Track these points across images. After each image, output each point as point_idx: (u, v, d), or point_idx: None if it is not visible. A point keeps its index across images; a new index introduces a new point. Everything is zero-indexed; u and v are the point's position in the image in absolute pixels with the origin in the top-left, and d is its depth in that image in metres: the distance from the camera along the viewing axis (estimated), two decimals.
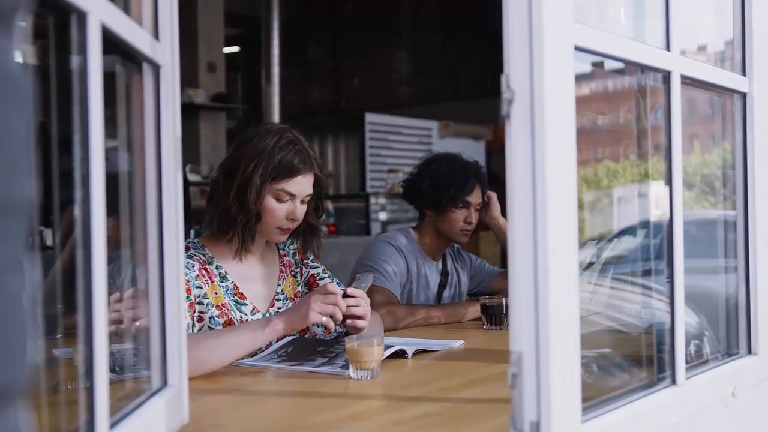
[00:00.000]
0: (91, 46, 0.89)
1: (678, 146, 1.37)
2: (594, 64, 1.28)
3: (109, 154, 1.00)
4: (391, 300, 2.57)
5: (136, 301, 1.29)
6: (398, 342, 1.97)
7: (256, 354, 1.93)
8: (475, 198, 2.74)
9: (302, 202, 2.00)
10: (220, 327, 1.92)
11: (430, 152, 2.97)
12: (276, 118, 6.79)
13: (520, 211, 1.04)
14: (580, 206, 1.15)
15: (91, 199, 0.89)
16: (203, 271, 1.96)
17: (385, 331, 2.25)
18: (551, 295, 1.02)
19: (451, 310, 2.62)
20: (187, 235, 1.58)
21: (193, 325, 1.89)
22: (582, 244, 1.16)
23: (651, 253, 1.53)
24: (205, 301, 1.93)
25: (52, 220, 0.98)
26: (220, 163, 2.05)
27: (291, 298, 2.11)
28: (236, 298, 1.99)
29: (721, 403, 1.51)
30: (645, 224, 1.63)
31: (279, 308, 2.05)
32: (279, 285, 2.10)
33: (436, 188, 2.72)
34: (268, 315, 2.00)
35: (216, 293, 1.96)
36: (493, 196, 2.82)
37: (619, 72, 1.48)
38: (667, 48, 1.37)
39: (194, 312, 1.90)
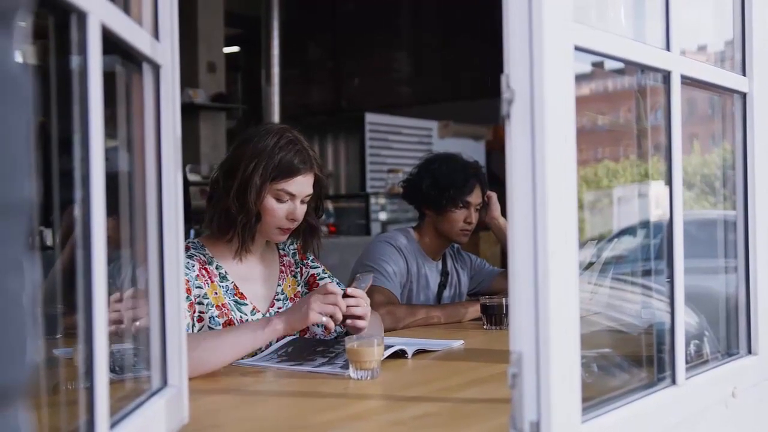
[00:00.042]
0: (91, 46, 0.89)
1: (678, 146, 1.37)
2: (594, 64, 1.28)
3: (109, 154, 1.00)
4: (391, 300, 2.57)
5: (136, 301, 1.29)
6: (398, 342, 1.97)
7: (256, 354, 1.93)
8: (475, 198, 2.74)
9: (302, 202, 2.01)
10: (220, 327, 1.92)
11: (430, 152, 2.97)
12: (276, 118, 6.79)
13: (520, 211, 1.04)
14: (580, 206, 1.15)
15: (91, 199, 0.89)
16: (203, 271, 1.96)
17: (385, 331, 2.25)
18: (551, 295, 1.02)
19: (451, 310, 2.62)
20: (187, 235, 1.58)
21: (193, 325, 1.89)
22: (582, 244, 1.16)
23: (651, 253, 1.53)
24: (205, 301, 1.93)
25: (52, 220, 0.98)
26: (220, 163, 2.05)
27: (291, 298, 2.11)
28: (236, 298, 1.99)
29: (721, 403, 1.51)
30: (645, 224, 1.63)
31: (279, 308, 2.05)
32: (279, 285, 2.10)
33: (436, 188, 2.72)
34: (268, 315, 2.00)
35: (216, 293, 1.96)
36: (493, 196, 2.82)
37: (619, 72, 1.48)
38: (667, 48, 1.37)
39: (194, 312, 1.90)
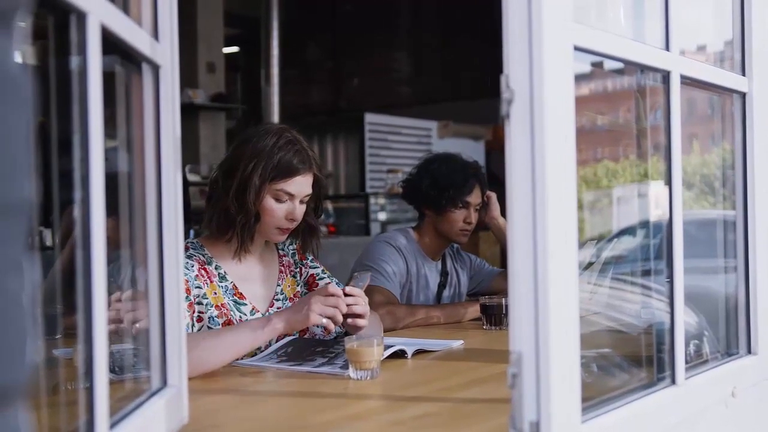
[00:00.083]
0: (90, 47, 0.89)
1: (677, 146, 1.37)
2: (593, 64, 1.28)
3: (109, 155, 1.00)
4: (390, 300, 2.57)
5: (135, 301, 1.29)
6: (398, 342, 1.97)
7: (255, 354, 1.93)
8: (474, 198, 2.74)
9: (301, 202, 2.01)
10: (220, 327, 1.92)
11: (429, 152, 2.97)
12: (275, 118, 6.79)
13: (520, 211, 1.04)
14: (580, 206, 1.15)
15: (91, 200, 0.89)
16: (202, 271, 1.96)
17: (385, 331, 2.25)
18: (551, 295, 1.02)
19: (450, 310, 2.62)
20: (186, 236, 1.58)
21: (193, 325, 1.89)
22: (582, 244, 1.17)
23: (650, 253, 1.53)
24: (205, 301, 1.93)
25: (52, 221, 0.98)
26: (219, 163, 2.05)
27: (290, 298, 2.11)
28: (235, 298, 1.99)
29: (721, 403, 1.51)
30: (644, 224, 1.63)
31: (278, 308, 2.05)
32: (278, 285, 2.10)
33: (435, 188, 2.72)
34: (267, 315, 2.00)
35: (215, 293, 1.96)
36: (493, 196, 2.82)
37: (619, 72, 1.48)
38: (667, 48, 1.37)
39: (193, 312, 1.90)
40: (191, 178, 6.45)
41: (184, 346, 1.27)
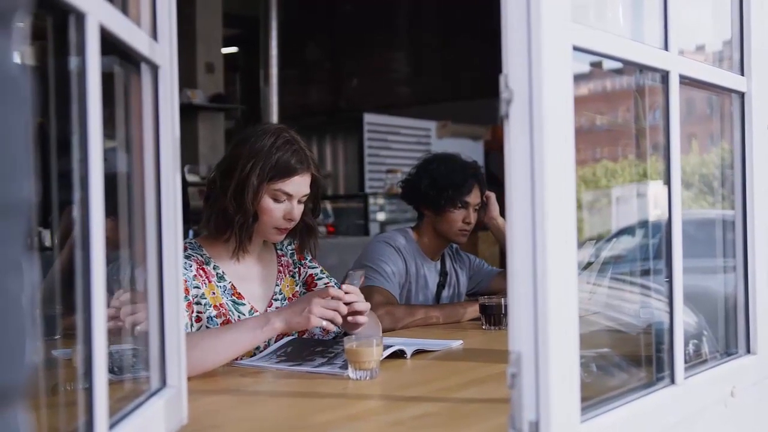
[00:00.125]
0: (89, 47, 0.89)
1: (676, 146, 1.37)
2: (592, 64, 1.28)
3: (108, 155, 1.00)
4: (389, 300, 2.57)
5: (134, 301, 1.29)
6: (397, 342, 1.97)
7: (254, 354, 1.93)
8: (473, 198, 2.74)
9: (299, 202, 2.01)
10: (218, 327, 1.92)
11: (428, 152, 2.98)
12: (274, 118, 6.79)
13: (519, 211, 1.04)
14: (579, 206, 1.15)
15: (90, 200, 0.89)
16: (201, 271, 1.96)
17: (384, 331, 2.25)
18: (550, 294, 1.02)
19: (449, 310, 2.62)
20: (185, 236, 1.57)
21: (191, 325, 1.89)
22: (581, 244, 1.17)
23: (650, 252, 1.53)
24: (203, 301, 1.93)
25: (51, 221, 0.98)
26: (217, 163, 2.05)
27: (289, 298, 2.11)
28: (234, 298, 1.99)
29: (720, 403, 1.51)
30: (643, 224, 1.63)
31: (277, 308, 2.05)
32: (277, 285, 2.10)
33: (434, 188, 2.72)
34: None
35: (214, 293, 1.96)
36: (492, 196, 2.82)
37: (618, 72, 1.48)
38: (666, 48, 1.37)
39: (192, 312, 1.90)
40: (190, 178, 6.45)
41: (183, 347, 1.27)
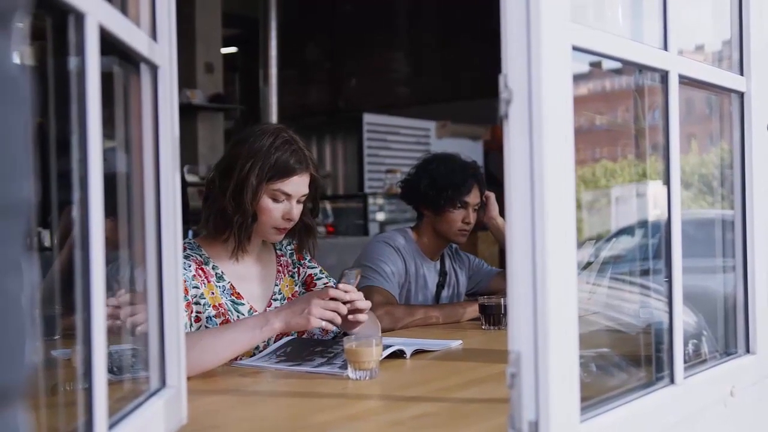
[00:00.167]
0: (88, 47, 0.89)
1: (676, 146, 1.37)
2: (592, 64, 1.28)
3: (107, 155, 1.00)
4: (389, 300, 2.57)
5: (134, 302, 1.29)
6: (397, 342, 1.97)
7: (254, 354, 1.93)
8: (473, 198, 2.74)
9: (298, 201, 2.01)
10: (217, 326, 1.92)
11: (428, 152, 2.98)
12: (274, 118, 6.79)
13: (519, 211, 1.04)
14: (578, 206, 1.15)
15: (89, 200, 0.89)
16: (200, 271, 1.96)
17: (384, 331, 2.25)
18: (550, 294, 1.02)
19: (449, 310, 2.62)
20: (184, 236, 1.57)
21: (191, 325, 1.89)
22: (580, 244, 1.17)
23: (649, 252, 1.54)
24: (202, 301, 1.93)
25: (50, 221, 0.98)
26: (216, 164, 2.05)
27: (288, 298, 2.11)
28: (233, 298, 1.99)
29: (720, 403, 1.51)
30: (643, 224, 1.63)
31: (276, 308, 2.05)
32: (276, 285, 2.10)
33: (434, 188, 2.72)
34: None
35: (213, 293, 1.96)
36: (491, 196, 2.82)
37: (617, 72, 1.48)
38: (665, 48, 1.37)
39: (191, 312, 1.90)
40: (189, 178, 6.45)
41: (183, 347, 1.27)
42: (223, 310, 1.95)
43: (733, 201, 1.65)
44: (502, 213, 2.77)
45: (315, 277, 2.17)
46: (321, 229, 6.44)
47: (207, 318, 1.92)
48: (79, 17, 0.88)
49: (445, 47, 9.10)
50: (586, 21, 1.21)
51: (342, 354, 1.76)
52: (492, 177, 3.71)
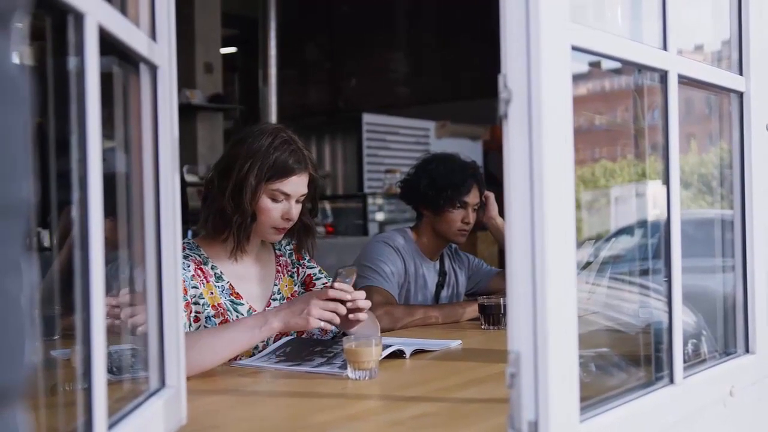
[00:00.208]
0: (88, 47, 0.89)
1: (675, 146, 1.37)
2: (591, 64, 1.28)
3: (107, 155, 1.00)
4: (388, 300, 2.57)
5: (133, 302, 1.29)
6: (396, 342, 1.97)
7: (254, 354, 1.93)
8: (472, 198, 2.74)
9: (297, 201, 2.01)
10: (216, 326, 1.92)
11: (427, 152, 2.98)
12: (273, 118, 6.79)
13: (518, 211, 1.04)
14: (578, 206, 1.15)
15: (89, 201, 0.89)
16: (199, 272, 1.96)
17: (383, 331, 2.25)
18: (549, 294, 1.02)
19: (449, 310, 2.62)
20: (184, 236, 1.57)
21: (190, 325, 1.89)
22: (580, 244, 1.17)
23: (648, 252, 1.54)
24: (201, 301, 1.93)
25: (50, 221, 0.98)
26: (215, 164, 2.05)
27: (287, 298, 2.11)
28: (232, 298, 1.99)
29: (719, 402, 1.51)
30: (642, 224, 1.64)
31: (275, 307, 2.05)
32: (275, 285, 2.10)
33: (433, 188, 2.72)
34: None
35: (212, 293, 1.96)
36: (491, 196, 2.82)
37: (617, 72, 1.48)
38: (664, 48, 1.37)
39: (190, 312, 1.90)
40: (189, 178, 6.45)
41: (182, 347, 1.27)
42: (222, 310, 1.95)
43: (733, 201, 1.66)
44: (501, 213, 2.77)
45: (314, 277, 2.17)
46: (320, 229, 6.44)
47: (206, 318, 1.92)
48: (79, 17, 0.88)
49: (445, 47, 9.10)
50: (586, 21, 1.21)
51: (341, 354, 1.76)
52: (491, 177, 3.71)
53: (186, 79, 6.97)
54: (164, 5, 1.23)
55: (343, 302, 1.82)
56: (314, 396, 1.58)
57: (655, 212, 1.49)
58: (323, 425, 1.36)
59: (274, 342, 1.98)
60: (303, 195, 2.01)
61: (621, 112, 1.67)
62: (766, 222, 1.65)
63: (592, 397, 1.18)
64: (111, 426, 0.96)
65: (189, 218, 4.66)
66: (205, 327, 1.91)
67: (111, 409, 0.95)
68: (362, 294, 1.89)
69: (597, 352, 1.45)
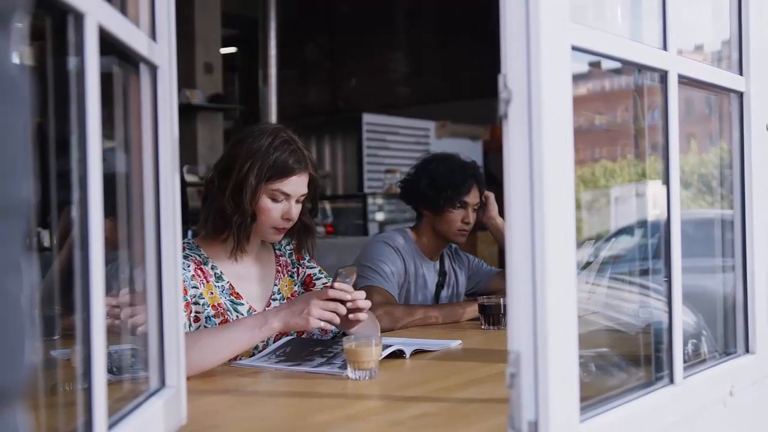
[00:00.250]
0: (88, 47, 0.89)
1: (675, 146, 1.37)
2: (591, 64, 1.28)
3: (107, 155, 1.00)
4: (388, 300, 2.57)
5: (133, 302, 1.29)
6: (396, 342, 1.97)
7: (254, 354, 1.93)
8: (472, 198, 2.74)
9: (297, 201, 2.01)
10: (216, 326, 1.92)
11: (427, 152, 2.98)
12: (273, 118, 6.79)
13: (518, 211, 1.04)
14: (578, 206, 1.15)
15: (89, 201, 0.89)
16: (199, 272, 1.96)
17: (383, 331, 2.25)
18: (549, 294, 1.02)
19: (448, 310, 2.62)
20: (184, 236, 1.57)
21: (190, 325, 1.89)
22: (580, 244, 1.17)
23: (648, 252, 1.54)
24: (201, 301, 1.93)
25: (50, 221, 0.98)
26: (215, 164, 2.05)
27: (287, 298, 2.11)
28: (232, 298, 1.99)
29: (719, 402, 1.51)
30: (642, 224, 1.64)
31: (275, 307, 2.05)
32: (275, 285, 2.10)
33: (433, 188, 2.72)
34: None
35: (212, 293, 1.96)
36: (491, 195, 2.82)
37: (617, 72, 1.48)
38: (664, 47, 1.37)
39: (190, 312, 1.90)
40: (189, 178, 6.45)
41: (182, 347, 1.27)
42: (222, 310, 1.95)
43: (733, 201, 1.66)
44: (501, 213, 2.77)
45: (314, 277, 2.17)
46: (320, 229, 6.44)
47: (206, 318, 1.92)
48: (79, 17, 0.88)
49: (445, 47, 9.10)
50: (586, 21, 1.21)
51: (341, 354, 1.76)
52: (491, 177, 3.71)
53: (186, 79, 6.97)
54: (164, 5, 1.23)
55: (343, 302, 1.82)
56: (314, 396, 1.58)
57: (655, 212, 1.49)
58: (323, 425, 1.36)
59: (274, 342, 1.98)
60: (303, 195, 2.01)
61: (621, 112, 1.67)
62: (766, 222, 1.65)
63: (592, 397, 1.18)
64: (111, 426, 0.96)
65: (189, 218, 4.66)
66: (205, 327, 1.91)
67: (111, 409, 0.95)
68: (362, 294, 1.89)
69: (597, 352, 1.45)
